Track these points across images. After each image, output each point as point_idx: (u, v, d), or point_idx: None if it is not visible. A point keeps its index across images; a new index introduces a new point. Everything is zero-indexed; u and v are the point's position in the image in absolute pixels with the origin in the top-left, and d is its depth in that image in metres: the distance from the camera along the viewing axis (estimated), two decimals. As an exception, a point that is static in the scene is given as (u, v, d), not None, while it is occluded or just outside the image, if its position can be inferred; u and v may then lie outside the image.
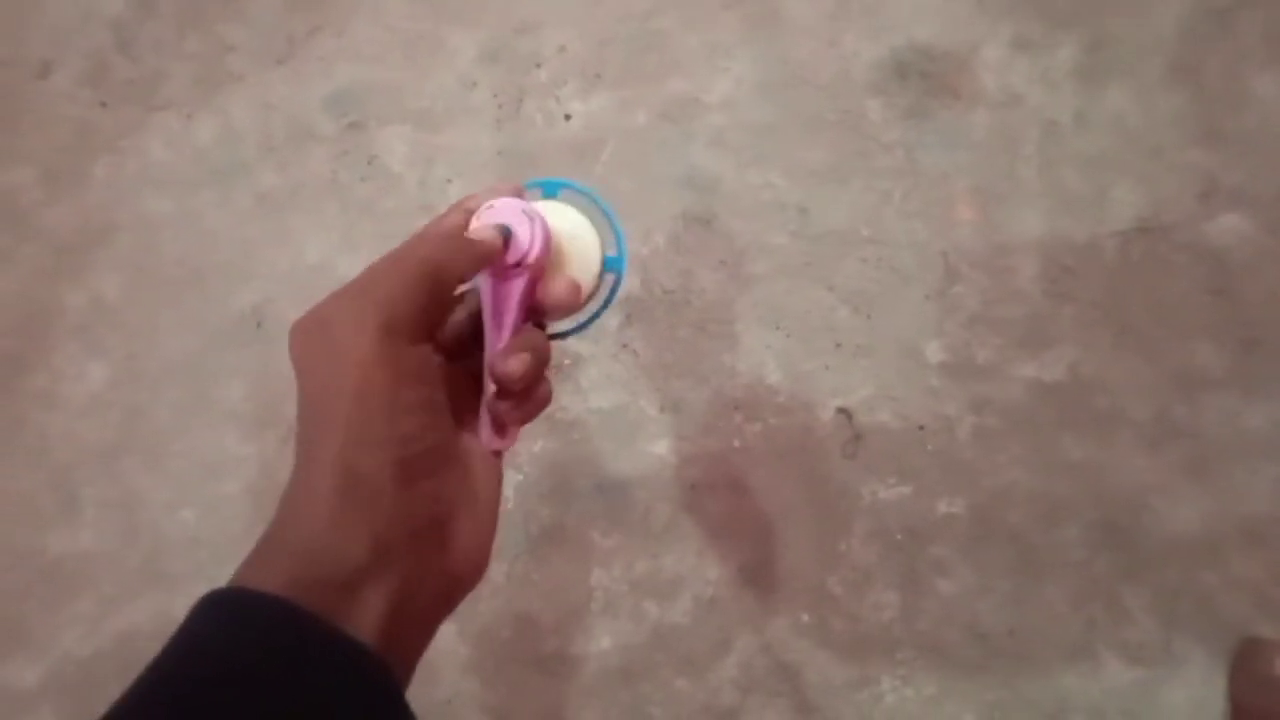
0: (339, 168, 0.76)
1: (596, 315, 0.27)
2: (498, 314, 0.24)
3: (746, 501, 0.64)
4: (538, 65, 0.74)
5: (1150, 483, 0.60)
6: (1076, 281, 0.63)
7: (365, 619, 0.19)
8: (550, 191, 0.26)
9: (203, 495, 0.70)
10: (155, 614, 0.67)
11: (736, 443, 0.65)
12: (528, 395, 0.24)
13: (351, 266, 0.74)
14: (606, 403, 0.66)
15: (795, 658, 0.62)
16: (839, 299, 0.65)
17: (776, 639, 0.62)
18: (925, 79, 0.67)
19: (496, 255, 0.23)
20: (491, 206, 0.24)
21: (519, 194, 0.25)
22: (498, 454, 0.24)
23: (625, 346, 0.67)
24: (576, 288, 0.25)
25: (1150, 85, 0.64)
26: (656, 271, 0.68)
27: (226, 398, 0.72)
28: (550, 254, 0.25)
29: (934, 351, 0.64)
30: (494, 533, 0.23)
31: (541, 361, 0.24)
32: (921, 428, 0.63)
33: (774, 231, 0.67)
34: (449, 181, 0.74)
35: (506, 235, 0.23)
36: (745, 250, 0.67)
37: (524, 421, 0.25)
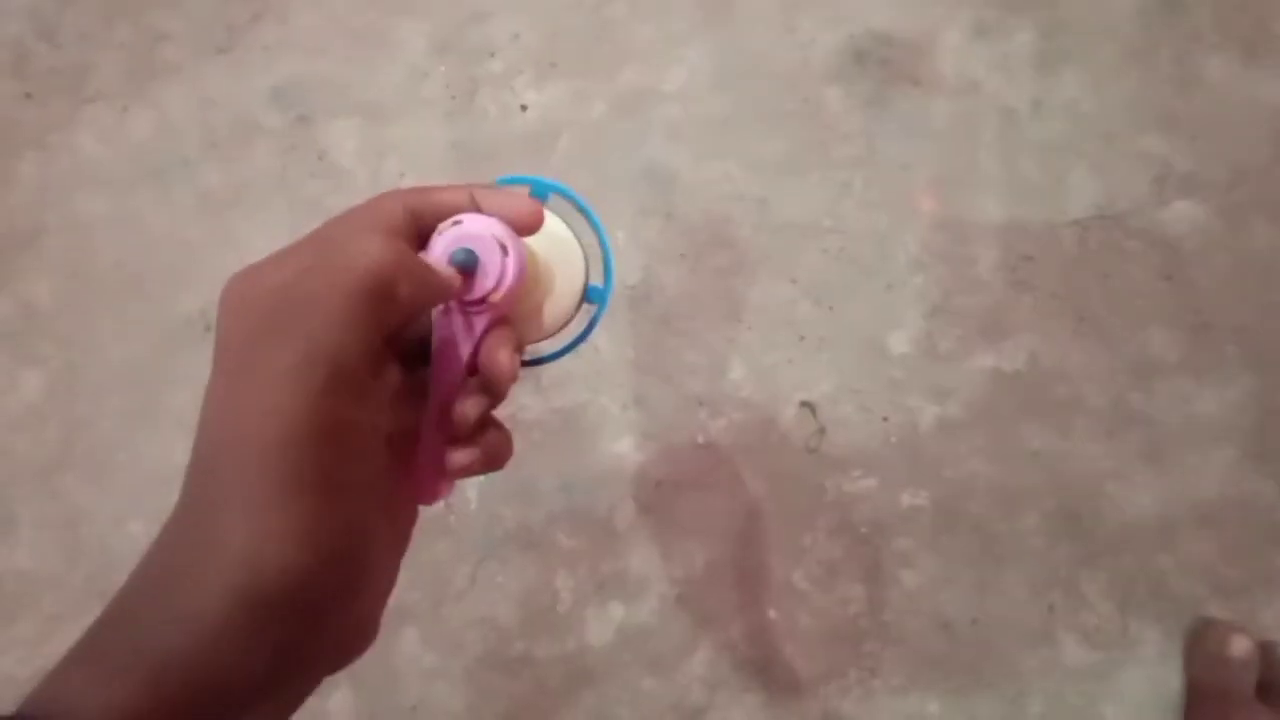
0: (287, 163, 0.73)
1: (566, 350, 0.23)
2: (451, 352, 0.20)
3: (712, 498, 0.63)
4: (491, 55, 0.72)
5: (1107, 469, 0.61)
6: (1036, 270, 0.63)
7: None
8: (539, 194, 0.22)
9: (152, 507, 0.67)
10: (102, 632, 0.64)
11: (700, 439, 0.64)
12: (478, 438, 0.21)
13: (301, 266, 0.71)
14: (568, 401, 0.65)
15: (762, 653, 0.62)
16: (800, 291, 0.65)
17: (743, 635, 0.62)
18: (884, 67, 0.66)
19: (452, 294, 0.19)
20: (459, 223, 0.20)
21: (527, 218, 0.20)
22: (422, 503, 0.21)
23: (586, 344, 0.66)
24: (516, 361, 0.21)
25: (1104, 71, 0.64)
26: (616, 267, 0.66)
27: (174, 405, 0.69)
28: (523, 286, 0.21)
29: (896, 343, 0.64)
30: (389, 595, 0.20)
31: (494, 403, 0.21)
32: (885, 419, 0.63)
33: (734, 224, 0.66)
34: (402, 176, 0.71)
35: (470, 266, 0.20)
36: (705, 244, 0.66)
37: (477, 470, 0.21)
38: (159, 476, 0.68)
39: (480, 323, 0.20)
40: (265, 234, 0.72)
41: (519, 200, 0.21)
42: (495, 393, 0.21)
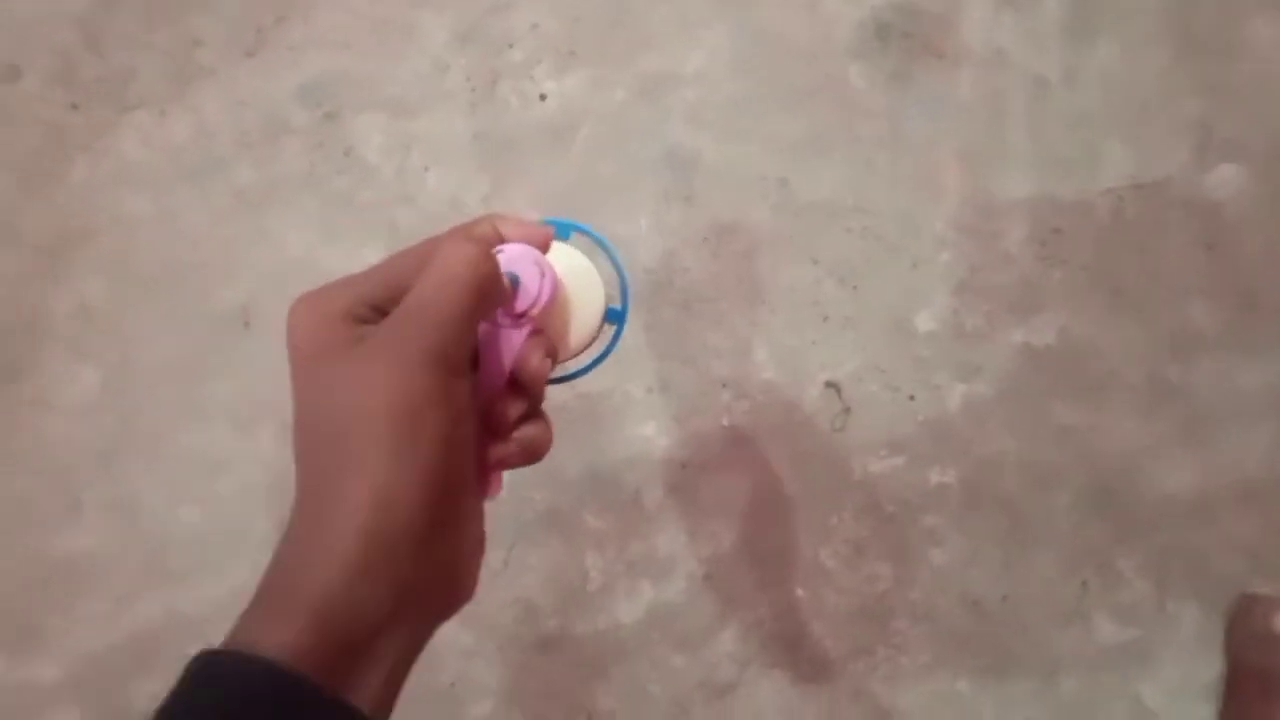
0: (315, 160, 0.75)
1: (591, 367, 0.27)
2: (496, 360, 0.24)
3: (737, 479, 0.64)
4: (510, 45, 0.72)
5: (1142, 446, 0.59)
6: (1067, 243, 0.62)
7: (372, 682, 0.18)
8: (562, 233, 0.26)
9: (201, 493, 0.71)
10: (164, 610, 0.68)
11: (725, 421, 0.64)
12: (514, 436, 0.23)
13: (333, 260, 0.73)
14: (593, 387, 0.66)
15: (790, 631, 0.62)
16: (824, 271, 0.64)
17: (771, 614, 0.63)
18: (908, 40, 0.65)
19: (506, 302, 0.23)
20: (502, 251, 0.24)
21: (541, 239, 0.24)
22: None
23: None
24: (547, 364, 0.24)
25: (1140, 38, 0.62)
26: (638, 252, 0.67)
27: (218, 396, 0.73)
28: (555, 304, 0.24)
29: (922, 321, 0.63)
30: (481, 556, 0.23)
31: (534, 405, 0.24)
32: (911, 398, 0.63)
33: (756, 206, 0.66)
34: (426, 169, 0.73)
35: (514, 284, 0.23)
36: (727, 226, 0.66)
37: (516, 463, 0.24)
38: (207, 463, 0.71)
39: (519, 335, 0.24)
40: (296, 230, 0.74)
41: (533, 227, 0.24)
42: (531, 395, 0.24)
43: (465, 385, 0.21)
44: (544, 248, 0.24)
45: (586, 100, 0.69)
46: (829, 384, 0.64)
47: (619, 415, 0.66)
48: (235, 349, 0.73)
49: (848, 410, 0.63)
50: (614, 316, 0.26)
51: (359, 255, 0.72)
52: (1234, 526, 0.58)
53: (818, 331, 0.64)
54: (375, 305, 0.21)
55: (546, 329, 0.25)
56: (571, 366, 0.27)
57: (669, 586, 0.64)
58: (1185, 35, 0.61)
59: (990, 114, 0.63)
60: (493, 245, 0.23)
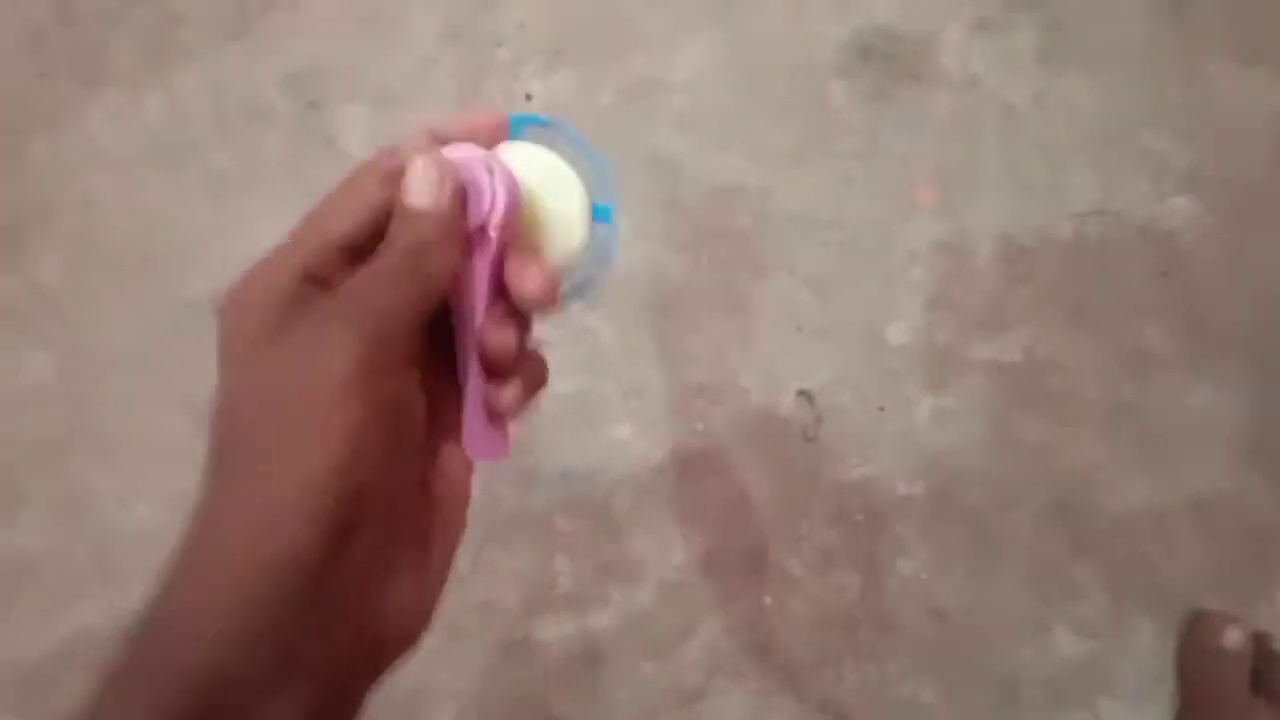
0: (297, 149, 0.74)
1: (592, 279, 0.22)
2: (466, 291, 0.19)
3: (709, 485, 0.64)
4: (498, 44, 0.72)
5: (1101, 461, 0.61)
6: (1033, 263, 0.64)
7: None
8: (515, 132, 0.21)
9: (157, 488, 0.68)
10: (107, 611, 0.65)
11: (699, 426, 0.64)
12: (519, 370, 0.20)
13: (308, 251, 0.72)
14: (568, 387, 0.66)
15: (759, 639, 0.62)
16: (800, 282, 0.65)
17: (741, 621, 0.62)
18: (888, 61, 0.67)
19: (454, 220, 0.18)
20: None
21: (486, 132, 0.20)
22: (481, 463, 0.20)
23: (587, 330, 0.67)
24: (552, 276, 0.20)
25: (1106, 68, 0.65)
26: (619, 255, 0.67)
27: (179, 388, 0.70)
28: (521, 212, 0.20)
29: (894, 334, 0.64)
30: (444, 583, 0.19)
31: (526, 328, 0.20)
32: (881, 409, 0.64)
33: (736, 214, 0.67)
34: (408, 163, 0.72)
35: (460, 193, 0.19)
36: (707, 234, 0.67)
37: (526, 402, 0.20)
38: (164, 458, 0.69)
39: (487, 253, 0.19)
40: (274, 219, 0.72)
41: (476, 117, 0.20)
42: (524, 320, 0.20)
43: (403, 380, 0.18)
44: (491, 142, 0.21)
45: (572, 101, 0.70)
46: (802, 393, 0.64)
47: (593, 417, 0.65)
48: (201, 340, 0.70)
49: (820, 419, 0.64)
50: (601, 213, 0.22)
51: (334, 247, 0.71)
52: (1186, 542, 0.60)
53: (792, 341, 0.65)
54: (305, 274, 0.18)
55: (522, 241, 0.21)
56: (571, 281, 0.22)
57: (639, 592, 0.63)
58: (1150, 67, 0.64)
59: (964, 136, 0.65)
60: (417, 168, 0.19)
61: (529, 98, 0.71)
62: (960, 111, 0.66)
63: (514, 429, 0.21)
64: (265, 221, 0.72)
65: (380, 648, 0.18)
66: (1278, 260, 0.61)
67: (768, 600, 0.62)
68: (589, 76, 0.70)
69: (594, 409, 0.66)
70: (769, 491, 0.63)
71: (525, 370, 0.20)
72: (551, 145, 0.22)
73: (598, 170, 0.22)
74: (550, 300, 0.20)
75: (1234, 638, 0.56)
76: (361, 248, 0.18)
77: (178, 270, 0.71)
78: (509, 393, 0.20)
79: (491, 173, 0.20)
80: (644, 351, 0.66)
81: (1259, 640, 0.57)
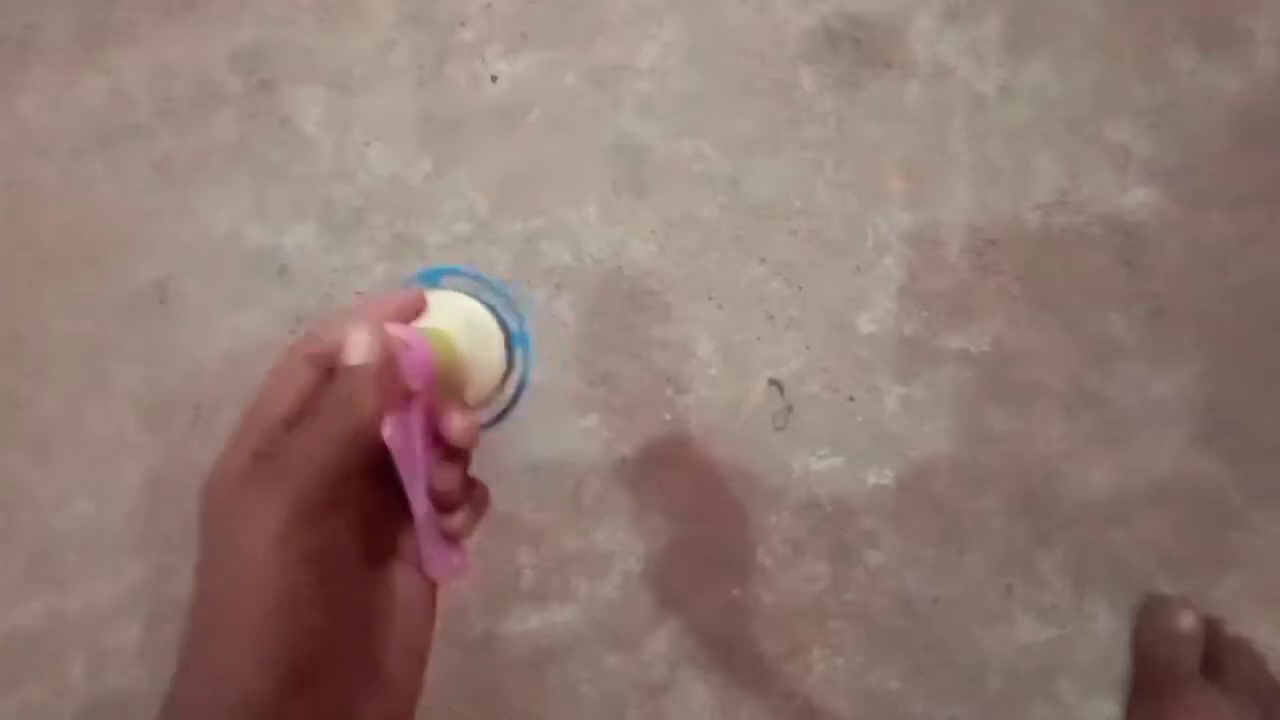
0: (248, 131, 0.71)
1: (514, 401, 0.26)
2: (406, 446, 0.22)
3: (678, 475, 0.63)
4: (461, 24, 0.70)
5: (1065, 450, 0.62)
6: (1001, 254, 0.64)
7: None
8: (431, 280, 0.25)
9: (100, 486, 0.65)
10: (45, 613, 0.62)
11: (668, 416, 0.63)
12: (465, 498, 0.23)
13: (261, 236, 0.69)
14: (535, 376, 0.64)
15: (726, 631, 0.62)
16: (770, 271, 0.65)
17: (707, 613, 0.62)
18: (857, 47, 0.66)
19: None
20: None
21: (407, 308, 0.23)
22: (443, 583, 0.23)
23: (554, 318, 0.65)
24: (472, 418, 0.23)
25: (1071, 57, 0.65)
26: (586, 242, 0.66)
27: (125, 381, 0.67)
28: (439, 372, 0.23)
29: (864, 323, 0.64)
30: (414, 702, 0.22)
31: (468, 466, 0.23)
32: (852, 399, 0.63)
33: (704, 203, 0.65)
34: (367, 145, 0.70)
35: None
36: (676, 221, 0.65)
37: (474, 523, 0.24)
38: (107, 454, 0.65)
39: (419, 410, 0.22)
40: (227, 203, 0.69)
41: (394, 299, 0.23)
42: (463, 456, 0.23)
43: (334, 523, 0.20)
44: (413, 315, 0.23)
45: (538, 84, 0.68)
46: (772, 382, 0.64)
47: (560, 407, 0.64)
48: (148, 329, 0.67)
49: (790, 409, 0.63)
50: (517, 341, 0.25)
51: (289, 231, 0.69)
52: (1146, 527, 0.61)
53: (762, 329, 0.64)
54: (260, 455, 0.21)
55: (449, 386, 0.23)
56: (493, 410, 0.25)
57: (605, 584, 0.62)
58: (1113, 57, 0.64)
59: (933, 124, 0.65)
60: (335, 356, 0.21)
61: (494, 79, 0.69)
62: (930, 100, 0.65)
63: (467, 546, 0.24)
64: (217, 206, 0.69)
65: None
66: (1238, 249, 0.62)
67: (736, 592, 0.62)
68: (555, 60, 0.69)
69: (561, 398, 0.64)
70: (739, 481, 0.63)
71: (471, 497, 0.23)
72: (466, 288, 0.25)
73: (509, 301, 0.25)
74: (473, 438, 0.23)
75: (1187, 621, 0.57)
76: (298, 421, 0.21)
77: (123, 259, 0.68)
78: (458, 519, 0.23)
79: (408, 347, 0.22)
80: (612, 341, 0.65)
81: (1211, 625, 0.58)
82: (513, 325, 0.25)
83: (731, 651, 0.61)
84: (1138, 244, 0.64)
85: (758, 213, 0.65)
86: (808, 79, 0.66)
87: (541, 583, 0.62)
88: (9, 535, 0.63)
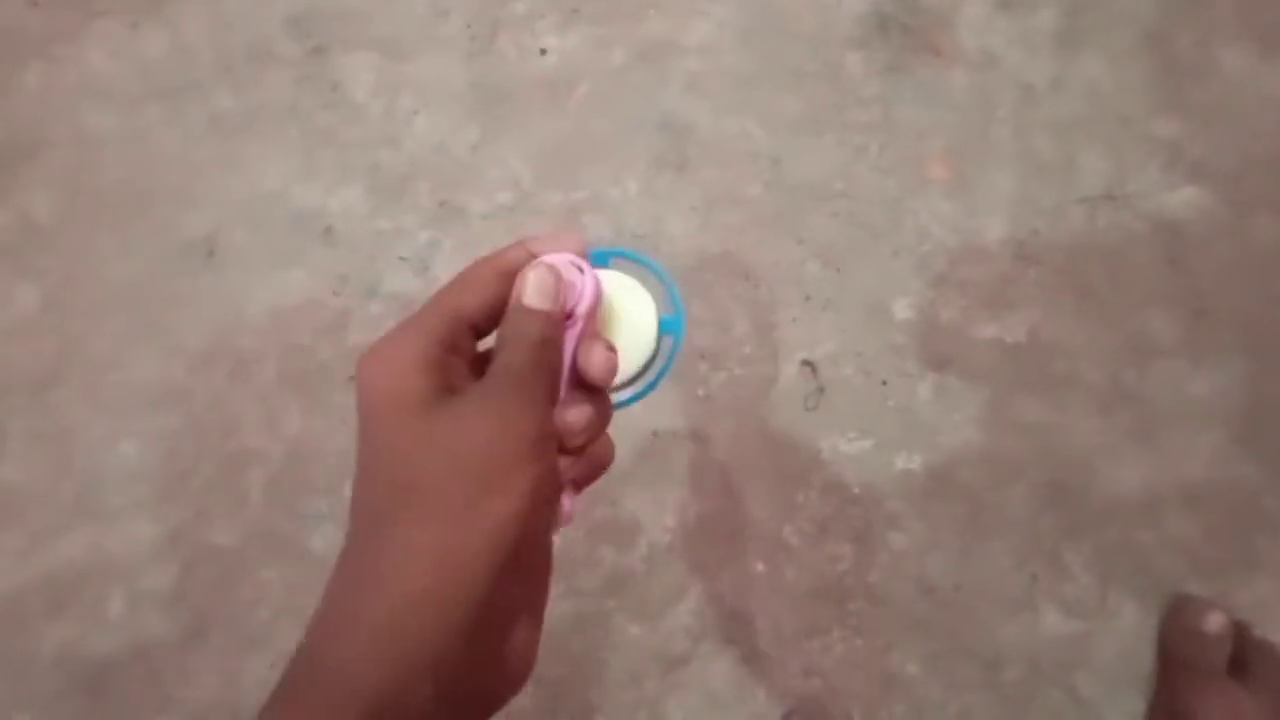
0: (300, 94, 0.72)
1: (655, 382, 0.26)
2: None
3: (708, 450, 0.63)
4: (513, -3, 0.71)
5: (1097, 445, 0.62)
6: (1042, 245, 0.64)
7: None
8: (600, 260, 0.26)
9: (144, 428, 0.67)
10: (88, 547, 0.64)
11: (701, 391, 0.64)
12: (584, 453, 0.23)
13: (308, 196, 0.70)
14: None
15: (748, 606, 0.62)
16: (809, 252, 0.65)
17: (730, 587, 0.62)
18: (906, 34, 0.66)
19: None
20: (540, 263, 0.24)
21: (575, 244, 0.24)
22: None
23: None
24: (613, 356, 0.24)
25: (1124, 53, 0.65)
26: (627, 216, 0.66)
27: (172, 328, 0.69)
28: (601, 310, 0.24)
29: (900, 309, 0.64)
30: (541, 630, 0.22)
31: (603, 419, 0.23)
32: (884, 383, 0.64)
33: (747, 181, 0.66)
34: (415, 113, 0.71)
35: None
36: (717, 199, 0.66)
37: (584, 484, 0.24)
38: (153, 398, 0.67)
39: (572, 336, 0.23)
40: (276, 162, 0.71)
41: (563, 235, 0.24)
42: (597, 399, 0.23)
43: (553, 456, 0.21)
44: (579, 252, 0.24)
45: (587, 59, 0.68)
46: (805, 363, 0.64)
47: (594, 379, 0.65)
48: (196, 280, 0.69)
49: (822, 390, 0.64)
50: (668, 326, 0.26)
51: (336, 193, 0.70)
52: (1176, 528, 0.60)
53: (798, 310, 0.65)
54: (444, 342, 0.21)
55: (600, 335, 0.24)
56: (639, 385, 0.26)
57: (630, 554, 0.63)
58: (1165, 55, 0.64)
59: (979, 113, 0.65)
60: (521, 267, 0.23)
61: (544, 52, 0.70)
62: (977, 89, 0.65)
63: (575, 503, 0.24)
64: (267, 165, 0.71)
65: (500, 689, 0.21)
66: (1282, 253, 0.61)
67: (760, 567, 0.62)
68: (604, 35, 0.69)
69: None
70: (768, 459, 0.63)
71: (595, 449, 0.24)
72: (630, 271, 0.26)
73: (669, 290, 0.26)
74: (610, 375, 0.23)
75: (1215, 622, 0.57)
76: (481, 327, 0.23)
77: (175, 210, 0.70)
78: (574, 465, 0.23)
79: (583, 271, 0.24)
80: (647, 315, 0.65)
81: (1239, 628, 0.58)
82: (667, 313, 0.26)
83: (752, 627, 0.62)
84: (1182, 243, 0.63)
85: (799, 194, 0.66)
86: (856, 63, 0.67)
87: (568, 550, 0.63)
88: (63, 467, 0.65)
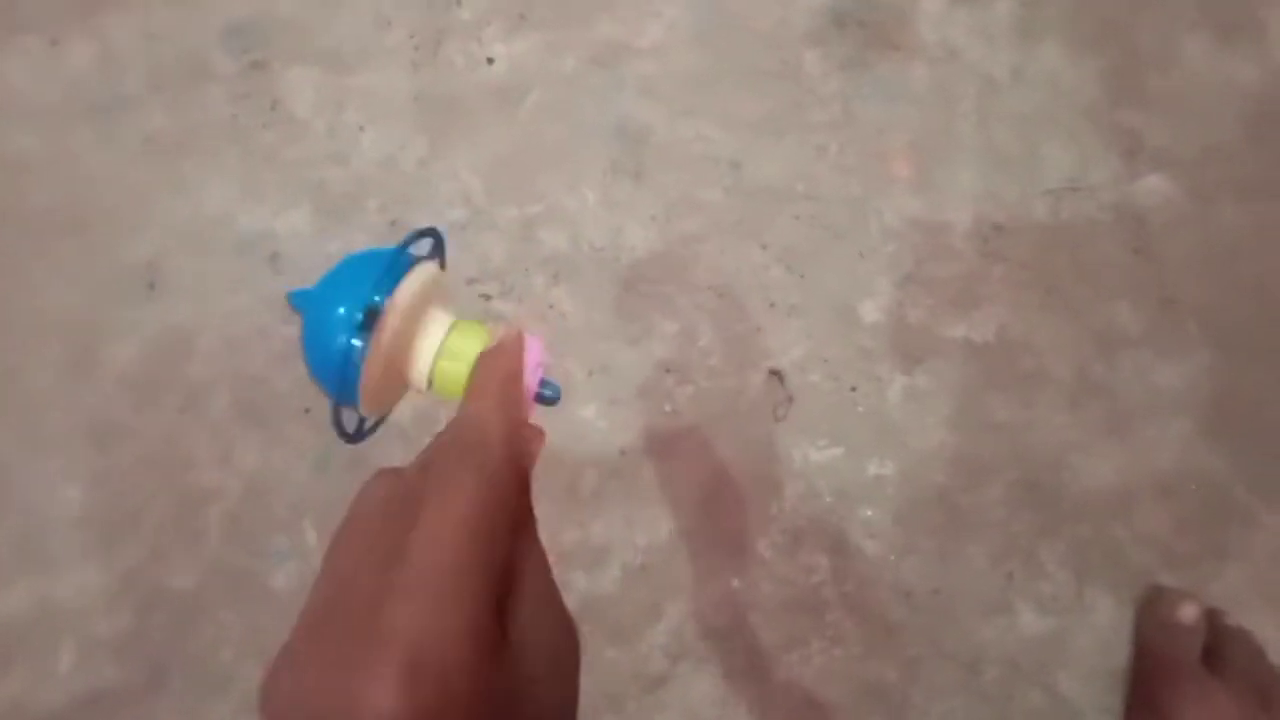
0: (239, 110, 0.69)
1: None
2: None
3: (677, 466, 0.62)
4: (458, 3, 0.68)
5: (1069, 441, 0.61)
6: (1007, 240, 0.63)
7: None
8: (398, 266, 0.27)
9: (89, 469, 0.64)
10: (33, 601, 0.61)
11: (667, 406, 0.63)
12: None
13: (255, 220, 0.67)
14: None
15: (725, 623, 0.61)
16: (772, 257, 0.63)
17: (707, 605, 0.61)
18: (864, 29, 0.65)
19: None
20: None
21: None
22: None
23: (552, 307, 0.64)
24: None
25: (1084, 42, 0.64)
26: (584, 227, 0.64)
27: (116, 360, 0.66)
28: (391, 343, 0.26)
29: (867, 311, 0.63)
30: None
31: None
32: (853, 389, 0.63)
33: (706, 186, 0.64)
34: (360, 129, 0.68)
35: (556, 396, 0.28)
36: (676, 205, 0.64)
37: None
38: (98, 436, 0.64)
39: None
40: (217, 184, 0.68)
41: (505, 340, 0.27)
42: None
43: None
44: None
45: (537, 66, 0.66)
46: (773, 372, 0.63)
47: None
48: (138, 309, 0.66)
49: (790, 399, 0.62)
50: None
51: (284, 216, 0.67)
52: (1148, 520, 0.60)
53: (763, 318, 0.63)
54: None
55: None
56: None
57: (603, 576, 0.61)
58: (1127, 43, 0.63)
59: (941, 108, 0.64)
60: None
61: (491, 61, 0.68)
62: (938, 83, 0.64)
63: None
64: (207, 187, 0.68)
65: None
66: (1247, 241, 0.61)
67: (736, 583, 0.61)
68: (553, 40, 0.67)
69: (559, 388, 0.63)
70: (739, 472, 0.62)
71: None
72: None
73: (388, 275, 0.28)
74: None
75: (1189, 613, 0.57)
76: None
77: (111, 236, 0.66)
78: None
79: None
80: (610, 329, 0.64)
81: (1212, 616, 0.58)
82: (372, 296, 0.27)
83: (730, 643, 0.61)
84: (1147, 232, 0.63)
85: (760, 197, 0.64)
86: (813, 61, 0.65)
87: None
88: (0, 518, 0.62)
